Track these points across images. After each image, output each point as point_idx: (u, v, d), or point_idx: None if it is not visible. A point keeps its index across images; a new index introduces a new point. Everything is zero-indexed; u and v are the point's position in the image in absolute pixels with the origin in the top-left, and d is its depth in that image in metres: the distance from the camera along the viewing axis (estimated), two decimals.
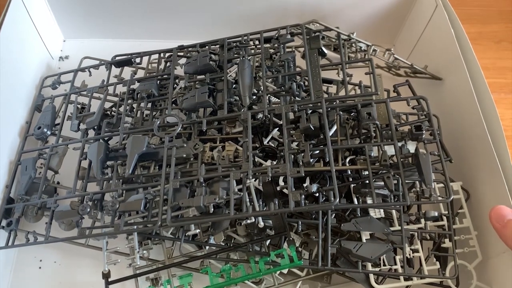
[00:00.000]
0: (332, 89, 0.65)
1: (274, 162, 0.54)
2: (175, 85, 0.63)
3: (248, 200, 0.50)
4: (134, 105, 0.63)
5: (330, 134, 0.53)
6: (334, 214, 0.57)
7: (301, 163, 0.51)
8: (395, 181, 0.51)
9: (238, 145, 0.57)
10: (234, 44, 0.64)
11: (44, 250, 0.62)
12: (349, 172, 0.56)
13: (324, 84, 0.64)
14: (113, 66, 0.67)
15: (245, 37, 0.64)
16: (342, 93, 0.62)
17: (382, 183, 0.52)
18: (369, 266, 0.54)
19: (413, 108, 0.59)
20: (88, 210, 0.52)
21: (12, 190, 0.60)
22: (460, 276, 0.55)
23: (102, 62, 0.69)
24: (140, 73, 0.68)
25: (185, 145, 0.54)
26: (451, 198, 0.50)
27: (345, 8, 0.78)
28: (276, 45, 0.62)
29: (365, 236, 0.55)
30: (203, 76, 0.61)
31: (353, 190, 0.56)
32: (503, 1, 0.96)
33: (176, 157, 0.53)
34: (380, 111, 0.58)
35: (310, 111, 0.55)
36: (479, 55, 0.62)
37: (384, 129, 0.56)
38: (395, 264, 0.54)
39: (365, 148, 0.52)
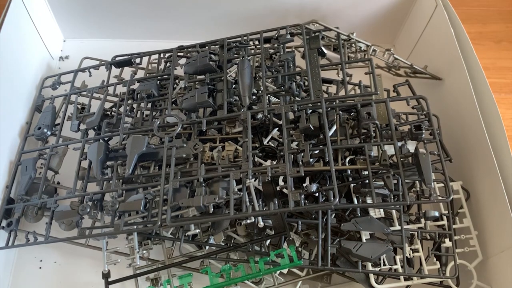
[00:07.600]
0: (332, 89, 0.65)
1: (274, 162, 0.54)
2: (175, 85, 0.63)
3: (248, 200, 0.50)
4: (134, 105, 0.63)
5: (330, 134, 0.53)
6: (334, 214, 0.57)
7: (300, 163, 0.51)
8: (395, 181, 0.51)
9: (238, 145, 0.57)
10: (234, 44, 0.64)
11: (44, 250, 0.62)
12: (349, 172, 0.56)
13: (324, 84, 0.64)
14: (113, 67, 0.67)
15: (245, 37, 0.64)
16: (342, 93, 0.62)
17: (382, 182, 0.52)
18: (369, 266, 0.54)
19: (413, 108, 0.59)
20: (88, 210, 0.52)
21: (12, 190, 0.60)
22: (460, 275, 0.55)
23: (102, 62, 0.69)
24: (140, 74, 0.68)
25: (185, 145, 0.54)
26: (451, 197, 0.50)
27: (345, 8, 0.78)
28: (276, 45, 0.62)
29: (365, 236, 0.55)
30: (203, 76, 0.61)
31: (353, 190, 0.56)
32: (503, 1, 0.96)
33: (176, 157, 0.53)
34: (380, 111, 0.58)
35: (310, 111, 0.55)
36: (479, 55, 0.62)
37: (384, 128, 0.56)
38: (395, 264, 0.54)
39: (364, 148, 0.52)
